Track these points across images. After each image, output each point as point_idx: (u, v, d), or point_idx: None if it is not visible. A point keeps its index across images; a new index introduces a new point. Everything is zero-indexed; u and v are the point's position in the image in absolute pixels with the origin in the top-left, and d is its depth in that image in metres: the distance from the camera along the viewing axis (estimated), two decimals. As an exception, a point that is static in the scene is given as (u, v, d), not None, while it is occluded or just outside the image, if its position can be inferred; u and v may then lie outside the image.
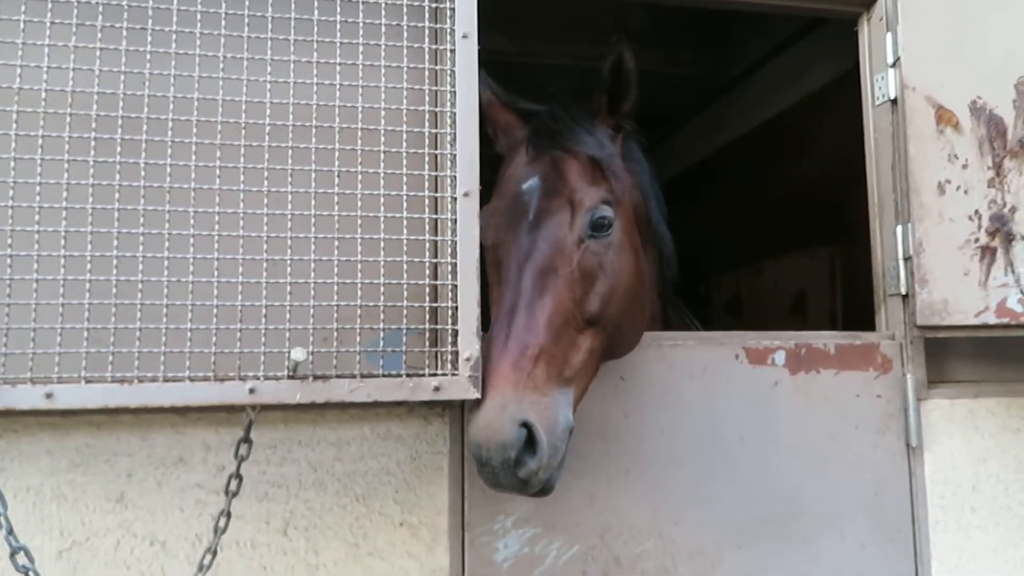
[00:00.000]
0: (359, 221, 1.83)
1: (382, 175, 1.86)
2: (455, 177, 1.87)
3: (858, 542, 2.40)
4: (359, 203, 1.83)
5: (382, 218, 1.84)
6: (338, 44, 1.87)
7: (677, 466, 2.30)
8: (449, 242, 1.86)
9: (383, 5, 1.90)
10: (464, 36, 1.91)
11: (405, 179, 1.87)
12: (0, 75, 1.69)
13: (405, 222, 1.86)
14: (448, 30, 1.92)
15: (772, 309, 5.80)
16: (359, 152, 1.84)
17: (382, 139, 1.87)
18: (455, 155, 1.87)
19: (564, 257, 1.91)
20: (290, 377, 1.72)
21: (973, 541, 2.49)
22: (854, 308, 4.64)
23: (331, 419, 2.08)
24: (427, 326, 1.88)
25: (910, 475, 2.46)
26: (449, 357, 1.84)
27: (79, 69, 1.72)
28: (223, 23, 1.80)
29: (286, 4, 1.83)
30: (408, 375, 1.81)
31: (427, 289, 1.86)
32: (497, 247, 1.99)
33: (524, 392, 1.71)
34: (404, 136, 1.89)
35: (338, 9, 1.87)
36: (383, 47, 1.89)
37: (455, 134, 1.88)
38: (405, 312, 1.84)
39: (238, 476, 1.79)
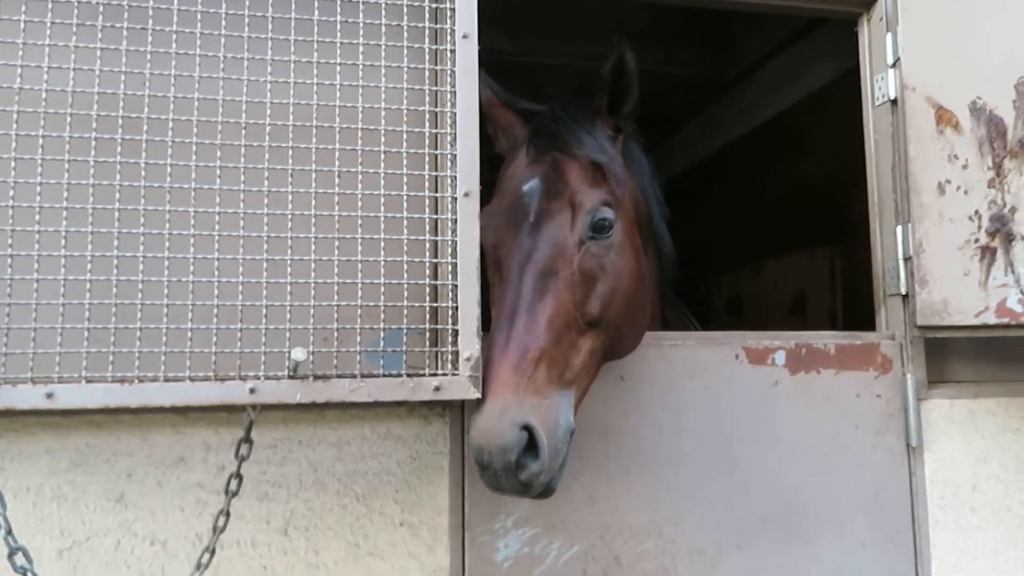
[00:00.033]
0: (359, 221, 1.83)
1: (382, 175, 1.86)
2: (455, 177, 1.87)
3: (858, 542, 2.40)
4: (359, 203, 1.83)
5: (382, 218, 1.84)
6: (338, 44, 1.87)
7: (677, 466, 2.30)
8: (449, 242, 1.86)
9: (383, 5, 1.90)
10: (464, 36, 1.91)
11: (405, 179, 1.87)
12: (1, 75, 1.70)
13: (405, 222, 1.86)
14: (448, 30, 1.92)
15: (772, 309, 5.80)
16: (359, 152, 1.85)
17: (382, 139, 1.87)
18: (455, 155, 1.87)
19: (565, 259, 1.90)
20: (290, 377, 1.72)
21: (973, 541, 2.50)
22: (854, 308, 4.64)
23: (331, 419, 2.08)
24: (427, 326, 1.88)
25: (910, 475, 2.46)
26: (449, 357, 1.84)
27: (79, 69, 1.72)
28: (223, 23, 1.80)
29: (286, 4, 1.83)
30: (408, 375, 1.81)
31: (427, 289, 1.86)
32: (498, 247, 1.99)
33: (525, 395, 1.71)
34: (404, 136, 1.89)
35: (338, 9, 1.87)
36: (383, 47, 1.89)
37: (455, 134, 1.88)
38: (405, 312, 1.85)
39: (238, 476, 1.79)
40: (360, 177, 1.84)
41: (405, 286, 1.84)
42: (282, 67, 1.82)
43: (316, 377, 1.73)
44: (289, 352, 1.69)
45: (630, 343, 2.18)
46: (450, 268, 1.85)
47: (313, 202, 1.82)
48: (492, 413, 1.68)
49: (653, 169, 2.43)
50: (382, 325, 1.82)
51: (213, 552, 1.77)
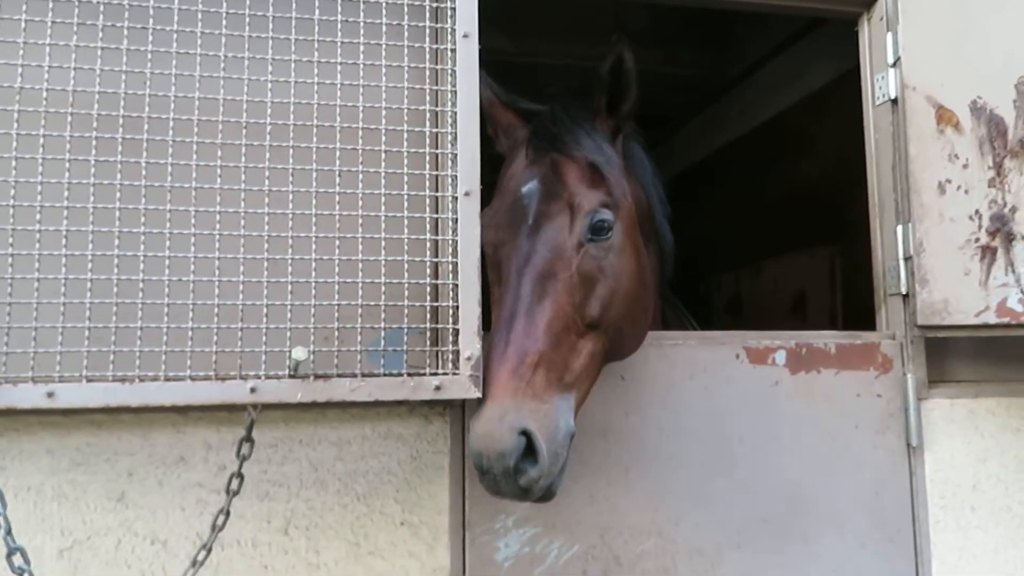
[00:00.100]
0: (360, 220, 1.83)
1: (383, 174, 1.86)
2: (456, 176, 1.87)
3: (858, 542, 2.40)
4: (360, 202, 1.83)
5: (383, 217, 1.84)
6: (339, 43, 1.87)
7: (677, 466, 2.30)
8: (450, 241, 1.86)
9: (384, 5, 1.90)
10: (465, 36, 1.91)
11: (406, 178, 1.88)
12: (1, 74, 1.70)
13: (406, 221, 1.86)
14: (449, 30, 1.92)
15: (772, 309, 5.80)
16: (360, 151, 1.85)
17: (383, 138, 1.87)
18: (456, 154, 1.87)
19: (563, 261, 1.89)
20: (291, 376, 1.72)
21: (973, 541, 2.50)
22: (854, 308, 4.64)
23: (332, 418, 2.08)
24: (428, 325, 1.88)
25: (910, 475, 2.46)
26: (450, 356, 1.84)
27: (80, 68, 1.72)
28: (224, 22, 1.80)
29: (287, 3, 1.83)
30: (409, 374, 1.81)
31: (428, 288, 1.86)
32: (498, 248, 1.98)
33: (523, 399, 1.70)
34: (405, 135, 1.89)
35: (339, 8, 1.88)
36: (384, 46, 1.89)
37: (456, 133, 1.88)
38: (406, 311, 1.85)
39: (240, 475, 1.79)
40: (361, 176, 1.84)
41: (406, 285, 1.84)
42: (283, 66, 1.83)
43: (317, 376, 1.73)
44: (290, 351, 1.69)
45: (632, 344, 2.17)
46: (451, 267, 1.85)
47: (314, 201, 1.82)
48: (491, 418, 1.68)
49: (655, 168, 2.43)
50: (383, 324, 1.82)
51: (210, 550, 1.77)
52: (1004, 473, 2.54)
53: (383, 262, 1.83)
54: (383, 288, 1.82)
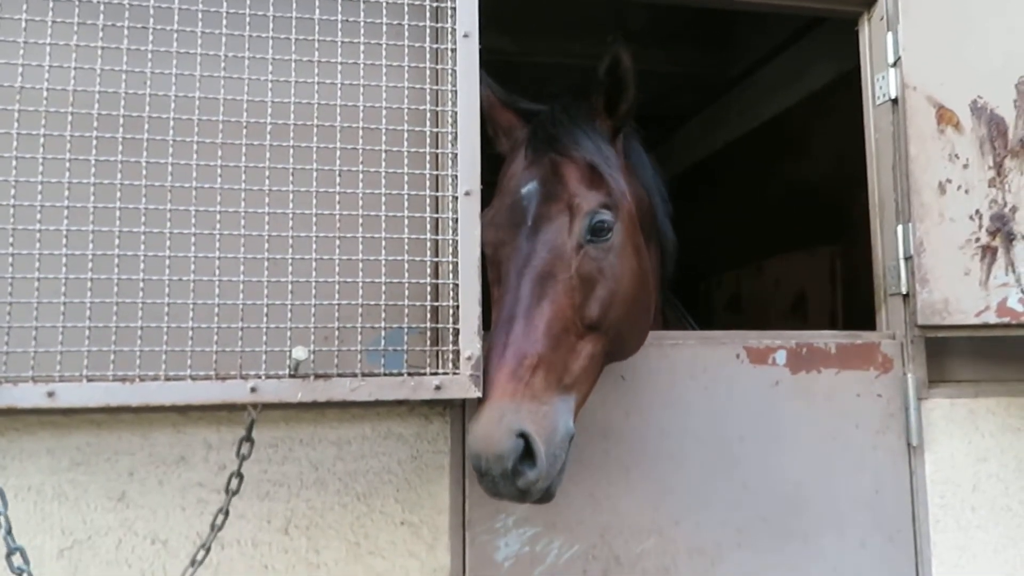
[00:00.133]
0: (360, 220, 1.83)
1: (383, 174, 1.86)
2: (456, 176, 1.87)
3: (858, 541, 2.40)
4: (360, 202, 1.83)
5: (383, 217, 1.84)
6: (339, 43, 1.87)
7: (678, 465, 2.30)
8: (450, 241, 1.86)
9: (384, 4, 1.90)
10: (465, 35, 1.91)
11: (406, 178, 1.88)
12: (2, 74, 1.70)
13: (406, 221, 1.86)
14: (449, 29, 1.92)
15: (773, 309, 5.80)
16: (360, 151, 1.85)
17: (383, 138, 1.87)
18: (456, 154, 1.87)
19: (563, 263, 1.89)
20: (291, 376, 1.72)
21: (973, 540, 2.50)
22: (855, 308, 4.64)
23: (332, 418, 2.08)
24: (428, 325, 1.88)
25: (910, 474, 2.46)
26: (450, 356, 1.84)
27: (80, 68, 1.72)
28: (224, 22, 1.80)
29: (287, 3, 1.83)
30: (409, 374, 1.81)
31: (428, 288, 1.86)
32: (497, 248, 1.98)
33: (522, 402, 1.70)
34: (405, 135, 1.89)
35: (339, 8, 1.88)
36: (384, 46, 1.89)
37: (456, 133, 1.88)
38: (406, 311, 1.85)
39: (239, 474, 1.79)
40: (361, 176, 1.84)
41: (406, 285, 1.84)
42: (283, 66, 1.83)
43: (317, 376, 1.73)
44: (290, 351, 1.69)
45: (633, 345, 2.16)
46: (451, 267, 1.85)
47: (314, 201, 1.82)
48: (489, 420, 1.68)
49: (656, 166, 2.42)
50: (383, 324, 1.82)
51: (209, 550, 1.78)
52: (1004, 473, 2.54)
53: (383, 262, 1.83)
54: (383, 288, 1.82)
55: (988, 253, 2.32)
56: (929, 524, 2.46)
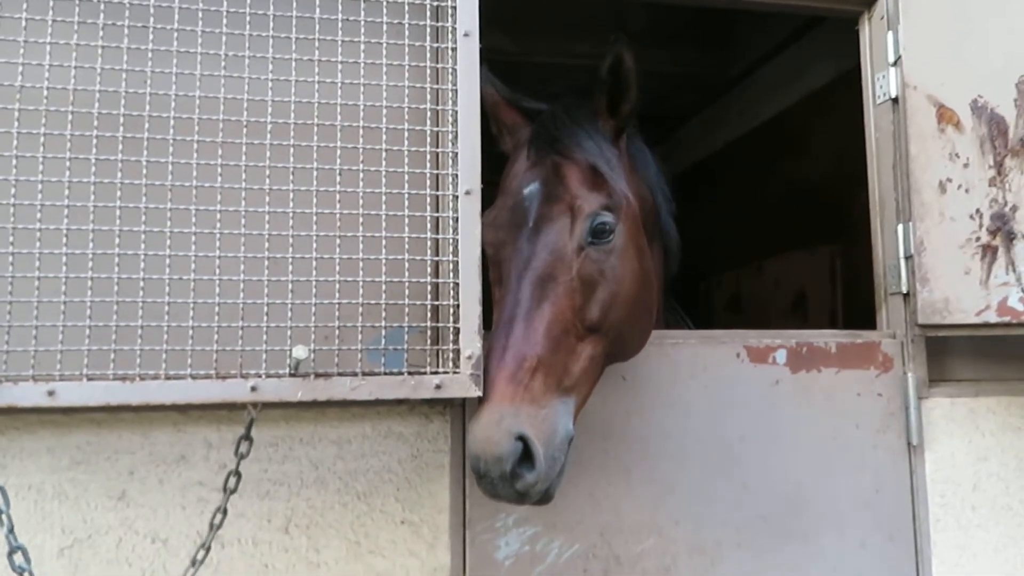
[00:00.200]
0: (361, 219, 1.83)
1: (384, 173, 1.86)
2: (457, 175, 1.87)
3: (858, 540, 2.40)
4: (361, 201, 1.83)
5: (384, 216, 1.84)
6: (340, 42, 1.87)
7: (678, 465, 2.30)
8: (451, 240, 1.86)
9: (384, 3, 1.90)
10: (466, 34, 1.91)
11: (407, 177, 1.88)
12: (2, 73, 1.70)
13: (407, 220, 1.86)
14: (450, 28, 1.91)
15: (773, 308, 5.80)
16: (361, 150, 1.85)
17: (384, 137, 1.87)
18: (456, 153, 1.87)
19: (564, 265, 1.88)
20: (292, 375, 1.72)
21: (974, 540, 2.50)
22: (855, 307, 4.64)
23: (332, 417, 2.08)
24: (429, 324, 1.88)
25: (911, 474, 2.46)
26: (451, 355, 1.84)
27: (81, 67, 1.72)
28: (224, 21, 1.80)
29: (287, 2, 1.83)
30: (410, 373, 1.81)
31: (429, 287, 1.86)
32: (498, 248, 1.98)
33: (521, 404, 1.70)
34: (406, 134, 1.89)
35: (340, 7, 1.88)
36: (385, 45, 1.89)
37: (456, 132, 1.88)
38: (407, 310, 1.85)
39: (237, 473, 1.79)
40: (361, 175, 1.84)
41: (406, 284, 1.84)
42: (283, 65, 1.83)
43: (317, 375, 1.73)
44: (290, 350, 1.69)
45: (634, 346, 2.15)
46: (451, 266, 1.85)
47: (314, 200, 1.82)
48: (488, 422, 1.68)
49: (659, 165, 2.41)
50: (383, 323, 1.82)
51: (208, 549, 1.78)
52: (1004, 472, 2.54)
53: (384, 260, 1.83)
54: (384, 287, 1.82)
55: (988, 252, 2.32)
56: (929, 523, 2.46)
